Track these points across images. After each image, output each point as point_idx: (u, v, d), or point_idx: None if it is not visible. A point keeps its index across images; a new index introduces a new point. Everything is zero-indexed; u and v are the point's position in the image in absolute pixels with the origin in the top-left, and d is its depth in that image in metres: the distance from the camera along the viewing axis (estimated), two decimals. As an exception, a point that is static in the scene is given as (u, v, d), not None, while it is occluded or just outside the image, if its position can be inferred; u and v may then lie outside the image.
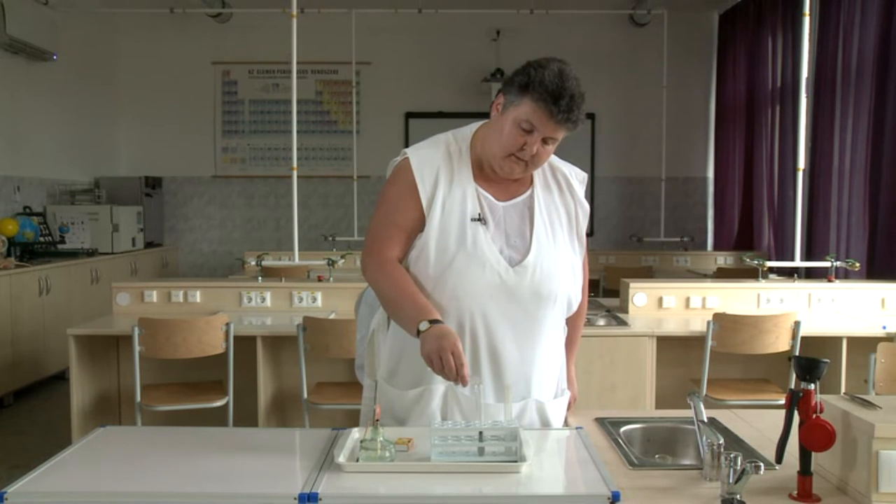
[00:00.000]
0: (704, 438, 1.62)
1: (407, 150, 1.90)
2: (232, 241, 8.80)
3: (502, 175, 1.84)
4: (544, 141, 1.77)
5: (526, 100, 1.74)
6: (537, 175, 1.92)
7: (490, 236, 1.82)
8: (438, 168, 1.85)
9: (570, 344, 2.03)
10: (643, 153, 8.50)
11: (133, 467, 1.61)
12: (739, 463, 1.44)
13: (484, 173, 1.87)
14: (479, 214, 1.82)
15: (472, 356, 1.81)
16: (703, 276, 6.40)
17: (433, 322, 1.69)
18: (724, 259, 7.39)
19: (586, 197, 1.98)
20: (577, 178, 1.97)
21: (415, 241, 1.84)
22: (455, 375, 1.64)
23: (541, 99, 1.71)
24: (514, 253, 1.83)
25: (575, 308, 1.97)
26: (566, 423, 2.00)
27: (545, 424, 1.91)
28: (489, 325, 1.81)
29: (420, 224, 1.83)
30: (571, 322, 2.02)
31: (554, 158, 1.95)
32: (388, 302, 1.83)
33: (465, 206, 1.83)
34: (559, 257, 1.86)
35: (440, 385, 1.82)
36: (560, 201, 1.92)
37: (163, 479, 1.54)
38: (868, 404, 1.57)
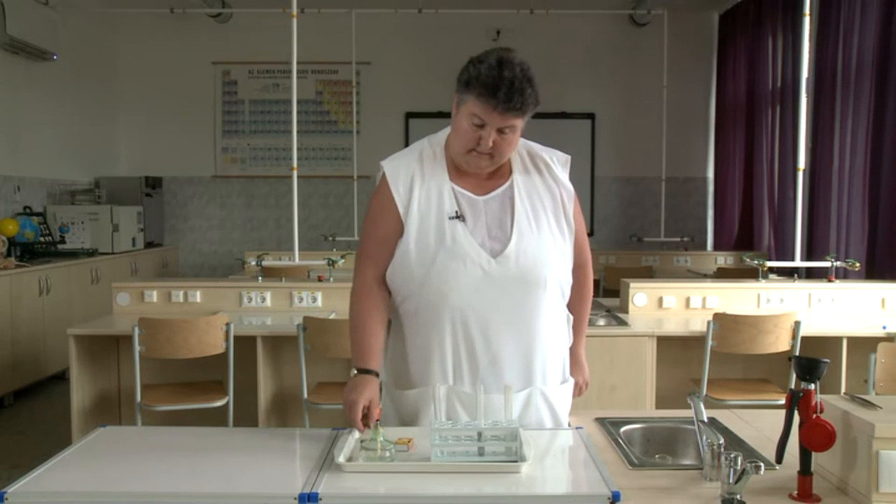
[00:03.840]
0: (704, 438, 1.62)
1: (383, 161, 1.93)
2: (232, 241, 8.80)
3: (472, 171, 1.87)
4: (500, 131, 1.79)
5: (470, 96, 1.77)
6: (516, 164, 1.92)
7: (470, 231, 1.83)
8: (412, 173, 1.88)
9: (576, 328, 2.03)
10: (643, 153, 8.50)
11: (133, 467, 1.61)
12: (739, 463, 1.44)
13: (461, 172, 1.89)
14: (457, 212, 1.84)
15: (467, 351, 1.83)
16: (703, 276, 6.40)
17: (361, 371, 1.80)
18: (724, 259, 7.39)
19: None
20: (559, 161, 1.96)
21: (397, 246, 1.86)
22: (354, 425, 1.71)
23: (481, 94, 1.74)
24: (496, 244, 1.84)
25: (569, 292, 1.96)
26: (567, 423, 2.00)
27: (552, 413, 1.90)
28: (480, 319, 1.82)
29: (401, 231, 1.86)
30: (576, 307, 2.02)
31: (534, 145, 1.97)
32: (350, 325, 1.91)
33: (441, 205, 1.85)
34: (544, 242, 1.86)
35: (440, 385, 1.83)
36: (542, 186, 1.92)
37: (163, 479, 1.54)
38: (868, 404, 1.57)
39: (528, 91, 1.75)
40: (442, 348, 1.84)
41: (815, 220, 5.97)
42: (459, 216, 1.84)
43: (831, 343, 3.72)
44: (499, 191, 1.90)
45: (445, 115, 1.90)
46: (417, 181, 1.87)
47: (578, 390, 2.10)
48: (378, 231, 1.89)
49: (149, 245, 7.98)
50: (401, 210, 1.85)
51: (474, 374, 1.84)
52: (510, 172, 1.92)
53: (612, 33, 8.52)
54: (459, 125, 1.82)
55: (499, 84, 1.72)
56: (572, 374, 2.05)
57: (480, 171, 1.87)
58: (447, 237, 1.82)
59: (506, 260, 1.82)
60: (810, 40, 5.55)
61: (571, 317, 2.01)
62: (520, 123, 1.80)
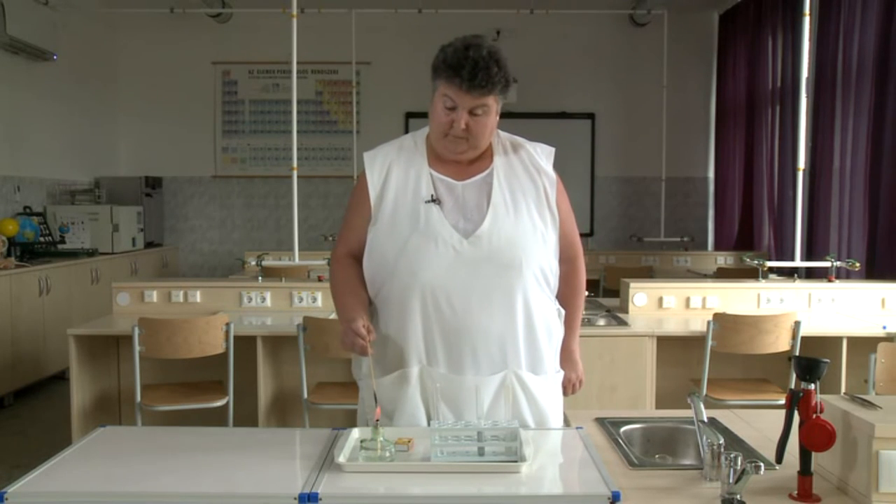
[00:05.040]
0: (704, 438, 1.62)
1: (365, 153, 1.98)
2: (232, 241, 8.80)
3: (450, 156, 1.89)
4: (472, 113, 1.82)
5: (440, 80, 1.84)
6: (497, 154, 1.95)
7: (445, 214, 1.85)
8: (390, 161, 1.93)
9: (568, 323, 2.02)
10: (643, 153, 8.50)
11: (133, 467, 1.61)
12: (739, 463, 1.44)
13: (443, 159, 1.92)
14: (433, 196, 1.87)
15: (440, 331, 1.84)
16: (703, 276, 6.38)
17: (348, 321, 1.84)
18: (724, 259, 7.39)
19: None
20: (543, 152, 1.98)
21: (369, 230, 1.91)
22: (362, 340, 1.76)
23: (448, 75, 1.80)
24: (470, 225, 1.85)
25: (555, 282, 1.95)
26: (566, 423, 2.00)
27: (531, 401, 1.89)
28: (452, 298, 1.82)
29: (372, 218, 1.91)
30: (567, 301, 2.01)
31: (518, 139, 2.00)
32: (332, 295, 2.00)
33: (418, 190, 1.88)
34: (521, 226, 1.86)
35: (414, 367, 1.85)
36: (524, 174, 1.93)
37: (163, 479, 1.54)
38: (868, 404, 1.57)
39: (494, 69, 1.78)
40: (415, 328, 1.84)
41: (815, 219, 5.97)
42: (435, 200, 1.86)
43: (831, 343, 3.72)
44: (478, 177, 1.91)
45: (445, 115, 1.90)
46: (394, 168, 1.91)
47: (572, 388, 2.09)
48: (353, 219, 1.96)
49: (149, 245, 7.98)
50: (372, 198, 1.89)
51: (448, 354, 1.84)
52: (491, 160, 1.94)
53: (612, 33, 8.52)
54: (434, 110, 1.87)
55: (463, 63, 1.77)
56: (564, 370, 2.03)
57: (459, 156, 1.89)
58: (421, 220, 1.85)
59: (478, 240, 1.83)
60: (810, 40, 5.55)
61: (563, 311, 2.00)
62: (491, 104, 1.82)
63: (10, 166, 6.46)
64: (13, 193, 6.50)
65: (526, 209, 1.88)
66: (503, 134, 1.99)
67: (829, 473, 1.59)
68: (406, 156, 1.94)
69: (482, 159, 1.93)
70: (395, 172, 1.91)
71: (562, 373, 2.01)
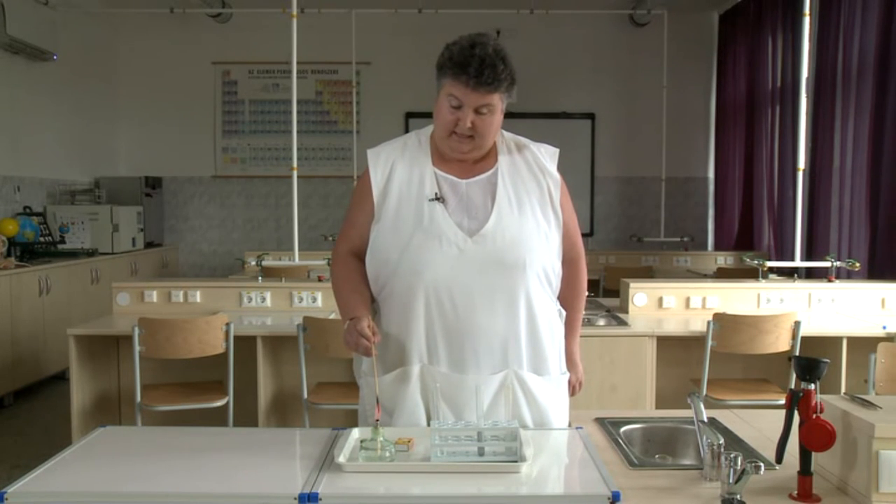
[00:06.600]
0: (704, 438, 1.62)
1: (369, 150, 1.97)
2: (232, 241, 8.80)
3: (455, 155, 1.89)
4: (478, 111, 1.81)
5: (445, 78, 1.82)
6: (502, 153, 1.94)
7: (449, 212, 1.85)
8: (394, 159, 1.92)
9: (569, 324, 2.02)
10: (643, 153, 8.50)
11: (133, 467, 1.61)
12: (739, 463, 1.44)
13: (447, 158, 1.91)
14: (437, 194, 1.86)
15: (443, 329, 1.83)
16: (703, 276, 6.39)
17: (352, 320, 1.84)
18: (724, 259, 7.39)
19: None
20: (547, 153, 1.98)
21: (372, 227, 1.90)
22: (366, 341, 1.77)
23: (454, 73, 1.78)
24: (474, 223, 1.85)
25: (557, 282, 1.95)
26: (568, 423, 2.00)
27: (532, 402, 1.88)
28: (455, 297, 1.82)
29: (374, 216, 1.90)
30: (569, 303, 2.01)
31: (522, 138, 2.00)
32: (334, 293, 1.99)
33: (422, 188, 1.87)
34: (525, 226, 1.86)
35: (415, 365, 1.85)
36: (528, 174, 1.93)
37: (163, 479, 1.54)
38: (868, 404, 1.57)
39: (501, 67, 1.78)
40: (417, 327, 1.84)
41: (815, 220, 5.98)
42: (439, 198, 1.86)
43: (831, 343, 3.72)
44: (483, 175, 1.91)
45: (445, 115, 1.89)
46: (399, 166, 1.91)
47: (573, 390, 2.08)
48: (355, 215, 1.95)
49: (149, 245, 7.98)
50: (375, 195, 1.89)
51: (450, 353, 1.84)
52: (496, 160, 1.93)
53: (612, 33, 8.52)
54: (439, 109, 1.85)
55: (469, 60, 1.76)
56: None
57: (464, 155, 1.88)
58: (425, 218, 1.84)
59: (482, 239, 1.83)
60: (810, 40, 5.55)
61: (564, 312, 2.00)
62: (497, 102, 1.82)
63: (10, 166, 6.46)
64: (13, 193, 6.50)
65: (530, 209, 1.88)
66: (507, 134, 1.98)
67: (829, 473, 1.59)
68: (410, 154, 1.93)
69: (486, 158, 1.93)
70: (399, 170, 1.90)
71: (567, 374, 2.01)
